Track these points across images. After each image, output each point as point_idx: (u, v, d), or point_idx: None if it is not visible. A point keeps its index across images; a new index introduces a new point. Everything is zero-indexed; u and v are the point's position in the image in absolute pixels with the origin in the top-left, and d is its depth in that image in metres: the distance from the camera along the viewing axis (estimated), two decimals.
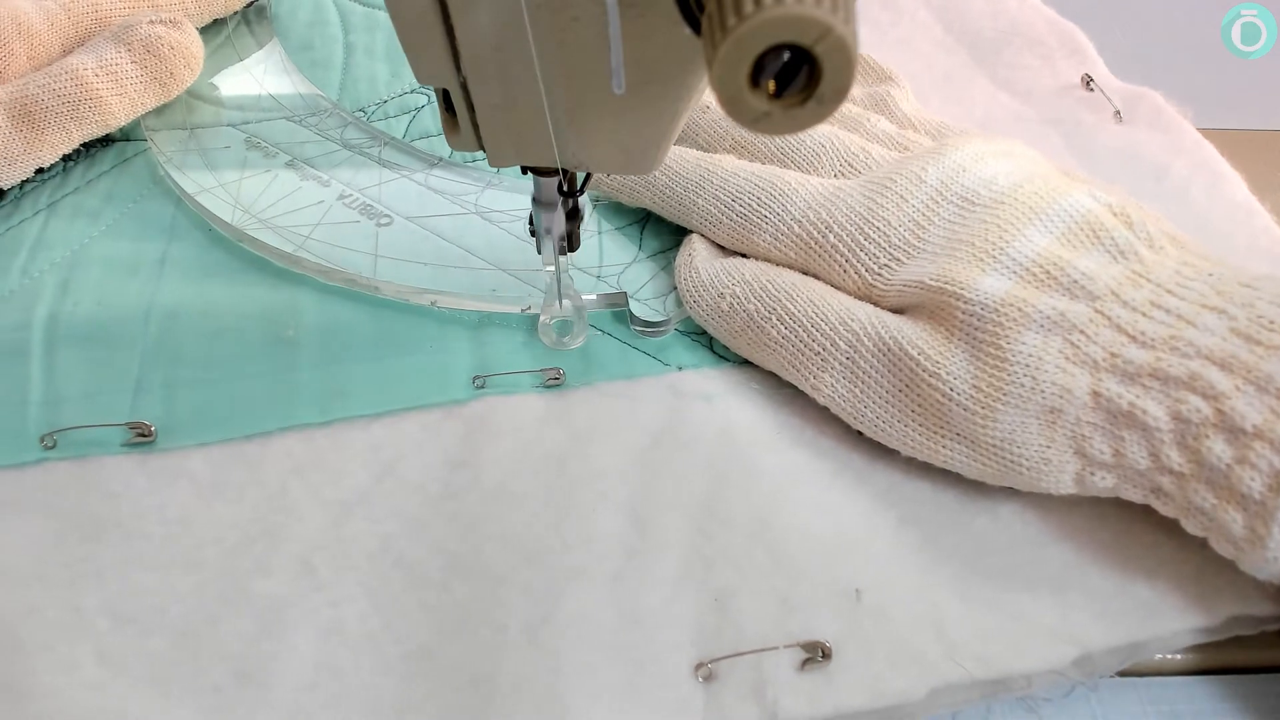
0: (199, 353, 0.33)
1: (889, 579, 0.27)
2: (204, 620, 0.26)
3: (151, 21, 0.40)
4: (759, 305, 0.31)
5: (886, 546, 0.28)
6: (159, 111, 0.42)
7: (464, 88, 0.22)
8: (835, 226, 0.31)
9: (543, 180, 0.27)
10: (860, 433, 0.30)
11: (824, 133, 0.35)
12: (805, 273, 0.32)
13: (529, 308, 0.34)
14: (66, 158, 0.40)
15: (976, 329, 0.27)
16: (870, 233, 0.31)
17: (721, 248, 0.34)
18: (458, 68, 0.21)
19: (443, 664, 0.25)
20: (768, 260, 0.33)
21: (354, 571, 0.27)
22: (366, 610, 0.27)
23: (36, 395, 0.32)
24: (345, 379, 0.32)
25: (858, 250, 0.31)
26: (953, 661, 0.26)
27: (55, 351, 0.33)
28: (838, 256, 0.31)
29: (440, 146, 0.41)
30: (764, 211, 0.32)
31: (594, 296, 0.35)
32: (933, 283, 0.28)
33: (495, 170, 0.40)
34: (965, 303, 0.27)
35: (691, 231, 0.35)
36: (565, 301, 0.33)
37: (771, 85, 0.15)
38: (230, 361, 0.33)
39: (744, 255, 0.34)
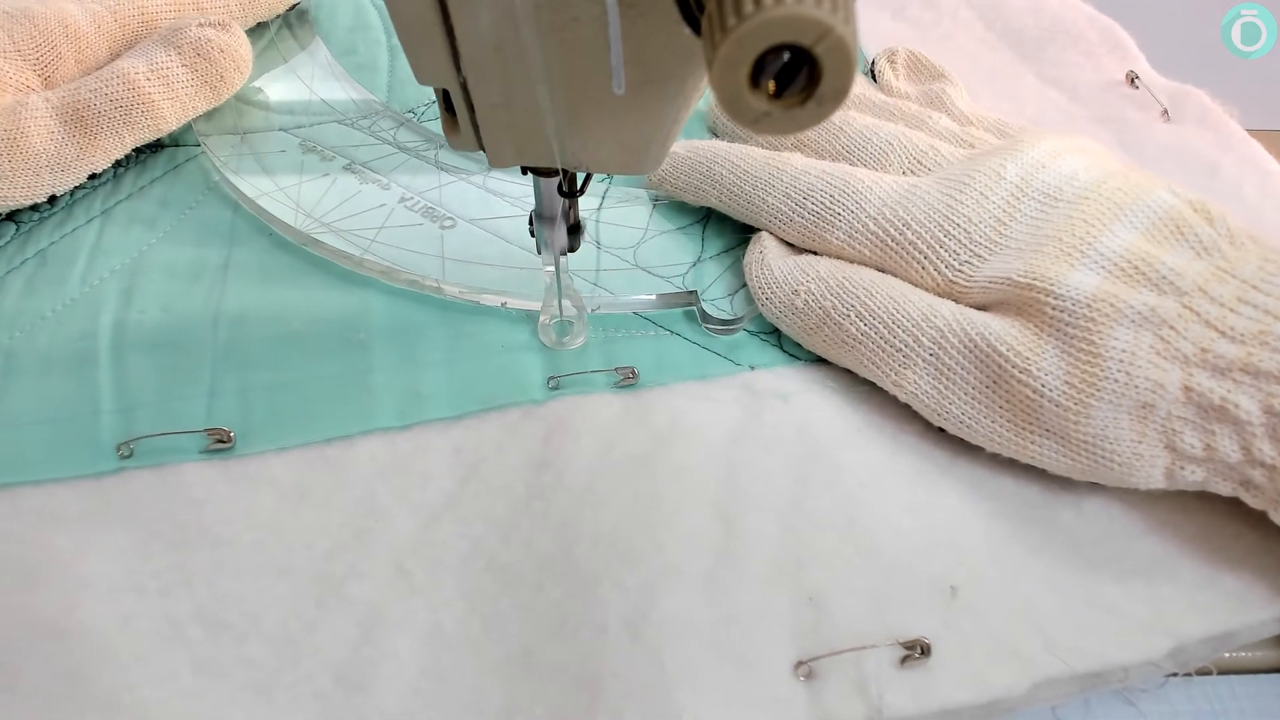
0: (270, 357, 0.33)
1: (981, 574, 0.27)
2: (302, 626, 0.26)
3: (201, 24, 0.40)
4: (836, 302, 0.31)
5: (976, 542, 0.28)
6: (209, 116, 0.41)
7: (464, 88, 0.22)
8: (914, 224, 0.31)
9: (543, 180, 0.27)
10: (941, 429, 0.30)
11: (891, 130, 0.35)
12: (880, 270, 0.32)
13: (598, 308, 0.34)
14: (117, 164, 0.40)
15: (1068, 325, 0.27)
16: (951, 229, 0.31)
17: (791, 245, 0.34)
18: (458, 68, 0.21)
19: (546, 665, 0.25)
20: (840, 258, 0.33)
21: (448, 574, 0.27)
22: (464, 613, 0.26)
23: (108, 404, 0.31)
24: (420, 381, 0.32)
25: (938, 247, 0.31)
26: (1052, 655, 0.26)
27: (124, 359, 0.33)
28: (916, 254, 0.31)
29: None
30: (837, 209, 0.32)
31: (652, 296, 0.34)
32: (1021, 279, 0.28)
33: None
34: (1056, 298, 0.27)
35: (759, 230, 0.35)
36: (565, 302, 0.32)
37: (771, 85, 0.15)
38: (303, 365, 0.32)
39: (814, 253, 0.34)
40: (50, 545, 0.28)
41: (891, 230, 0.31)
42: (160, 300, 0.34)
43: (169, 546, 0.28)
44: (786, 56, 0.14)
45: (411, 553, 0.28)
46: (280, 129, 0.41)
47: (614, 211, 0.38)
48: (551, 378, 0.32)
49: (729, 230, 0.37)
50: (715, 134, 0.41)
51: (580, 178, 0.28)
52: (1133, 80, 0.46)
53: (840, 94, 0.15)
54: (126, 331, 0.33)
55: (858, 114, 0.37)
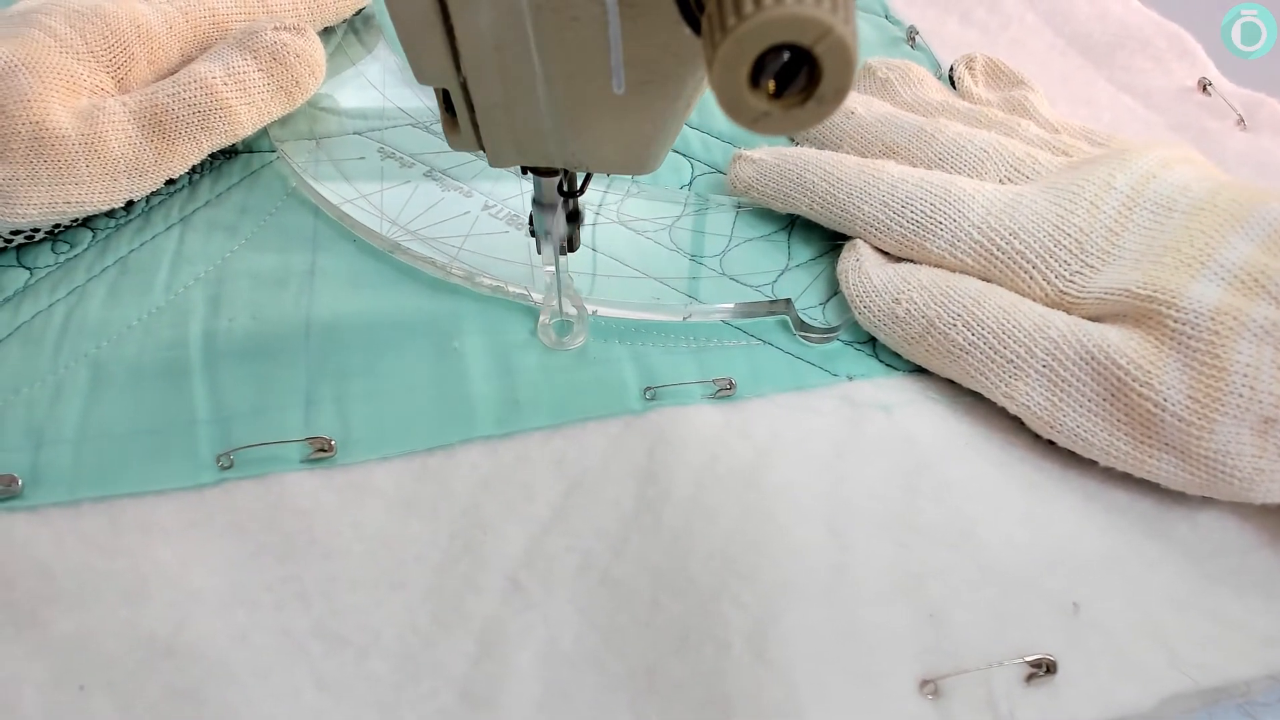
0: (365, 365, 0.32)
1: (1102, 589, 0.27)
2: (421, 642, 0.26)
3: (276, 28, 0.40)
4: (941, 311, 0.31)
5: (1094, 557, 0.28)
6: (283, 122, 0.41)
7: (464, 88, 0.22)
8: (1021, 233, 0.31)
9: (543, 180, 0.27)
10: (1050, 442, 0.30)
11: (985, 138, 0.35)
12: (983, 279, 0.32)
13: (689, 315, 0.34)
14: (193, 170, 0.40)
15: (1190, 338, 0.27)
16: (1062, 239, 0.30)
17: (886, 253, 0.34)
18: (458, 68, 0.21)
19: (670, 683, 0.25)
20: (939, 266, 0.33)
21: (561, 589, 0.27)
22: (582, 629, 0.26)
23: (204, 413, 0.31)
24: (516, 390, 0.32)
25: (1048, 257, 0.30)
26: (1176, 670, 0.26)
27: (216, 368, 0.32)
28: (1024, 263, 0.31)
29: None
30: (939, 218, 0.32)
31: (746, 305, 0.34)
32: (1141, 290, 0.28)
33: (632, 179, 0.40)
34: (1178, 311, 0.27)
35: (851, 238, 0.35)
36: (565, 302, 0.32)
37: (771, 85, 0.15)
38: (398, 374, 0.32)
39: (911, 261, 0.34)
40: (155, 559, 0.27)
41: (998, 239, 0.31)
42: (249, 308, 0.34)
43: (279, 558, 0.27)
44: (786, 56, 0.14)
45: (523, 566, 0.27)
46: (355, 133, 0.41)
47: (697, 219, 0.38)
48: (648, 388, 0.32)
49: (816, 237, 0.37)
50: (795, 141, 0.41)
51: (580, 177, 0.27)
52: (1205, 87, 0.45)
53: (841, 94, 0.15)
54: (217, 340, 0.33)
55: (948, 121, 0.37)
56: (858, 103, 0.39)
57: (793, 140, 0.41)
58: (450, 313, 0.34)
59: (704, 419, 0.31)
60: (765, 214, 0.38)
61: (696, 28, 0.16)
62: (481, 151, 0.24)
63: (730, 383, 0.32)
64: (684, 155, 0.41)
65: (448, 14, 0.19)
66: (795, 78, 0.15)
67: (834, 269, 0.35)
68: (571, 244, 0.30)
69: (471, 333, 0.33)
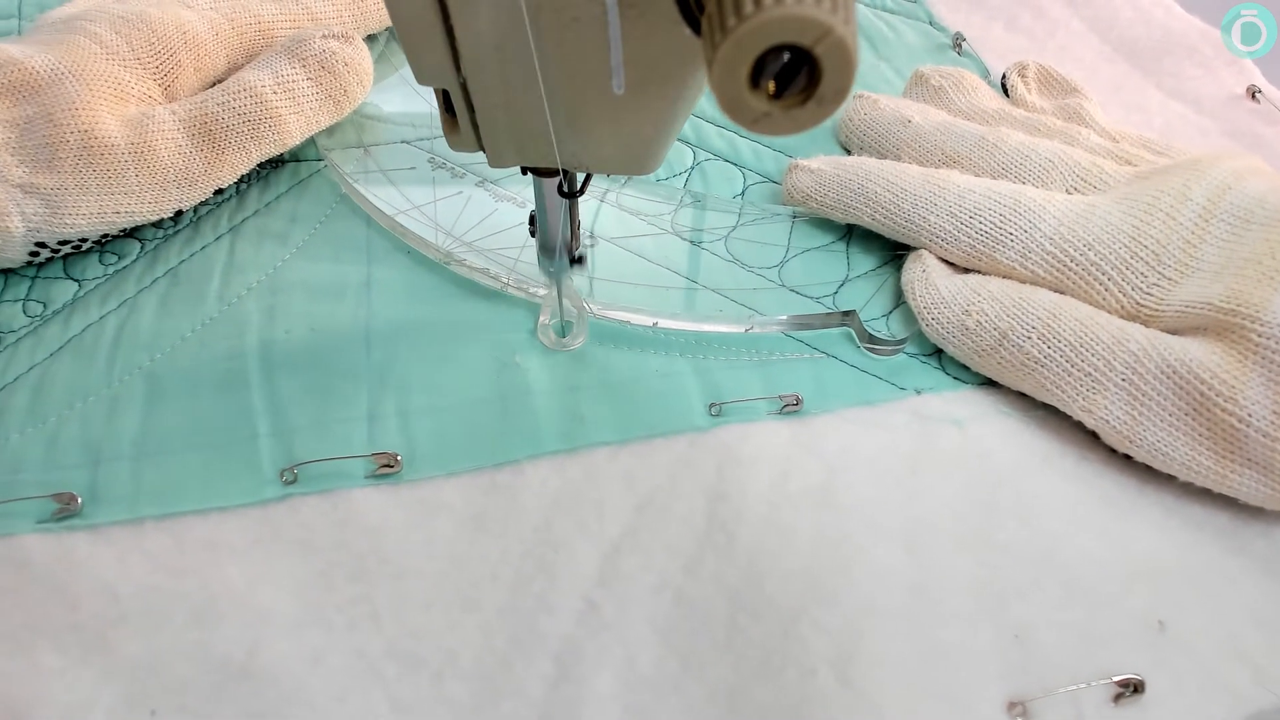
0: (427, 379, 0.32)
1: (1185, 606, 0.27)
2: (498, 663, 0.25)
3: (324, 36, 0.39)
4: (1015, 323, 0.30)
5: (1175, 573, 0.28)
6: (329, 130, 0.40)
7: (464, 88, 0.22)
8: (1096, 245, 0.30)
9: (543, 181, 0.27)
10: (1125, 456, 0.29)
11: (1049, 147, 0.35)
12: (1056, 291, 0.31)
13: (751, 328, 0.34)
14: (240, 179, 0.39)
15: (1275, 352, 0.26)
16: (1139, 251, 0.30)
17: (951, 264, 0.34)
18: (458, 68, 0.21)
19: (753, 708, 0.25)
20: (1009, 278, 0.32)
21: (637, 609, 0.26)
22: (661, 651, 0.26)
23: (265, 427, 0.30)
24: (579, 405, 0.31)
25: (1124, 269, 0.30)
26: (1262, 688, 0.25)
27: (275, 381, 0.32)
28: (1100, 275, 0.30)
29: None
30: (1009, 228, 0.32)
31: (810, 316, 0.34)
32: (1224, 304, 0.27)
33: (684, 189, 0.39)
34: (1262, 325, 0.27)
35: (914, 248, 0.34)
36: (566, 302, 0.32)
37: (771, 86, 0.15)
38: (460, 388, 0.32)
39: (978, 272, 0.33)
40: (223, 578, 0.27)
41: (1071, 251, 0.31)
42: (306, 319, 0.34)
43: (350, 577, 0.27)
44: (786, 57, 0.14)
45: (598, 585, 0.27)
46: (403, 142, 0.40)
47: (753, 229, 0.37)
48: (713, 404, 0.31)
49: (876, 248, 0.36)
50: (849, 150, 0.40)
51: (580, 178, 0.27)
52: (1254, 95, 0.45)
53: (841, 94, 0.15)
54: (274, 351, 0.32)
55: (1009, 130, 0.36)
56: (914, 111, 0.38)
57: (847, 149, 0.40)
58: (509, 326, 0.34)
59: (772, 435, 0.31)
60: (822, 224, 0.37)
61: (696, 28, 0.16)
62: (481, 151, 0.24)
63: (797, 398, 0.31)
64: (735, 164, 0.41)
65: (448, 14, 0.19)
66: (795, 78, 0.15)
67: (896, 280, 0.35)
68: (572, 242, 0.30)
69: (532, 347, 0.33)
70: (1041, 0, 0.51)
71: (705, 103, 0.43)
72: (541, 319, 0.33)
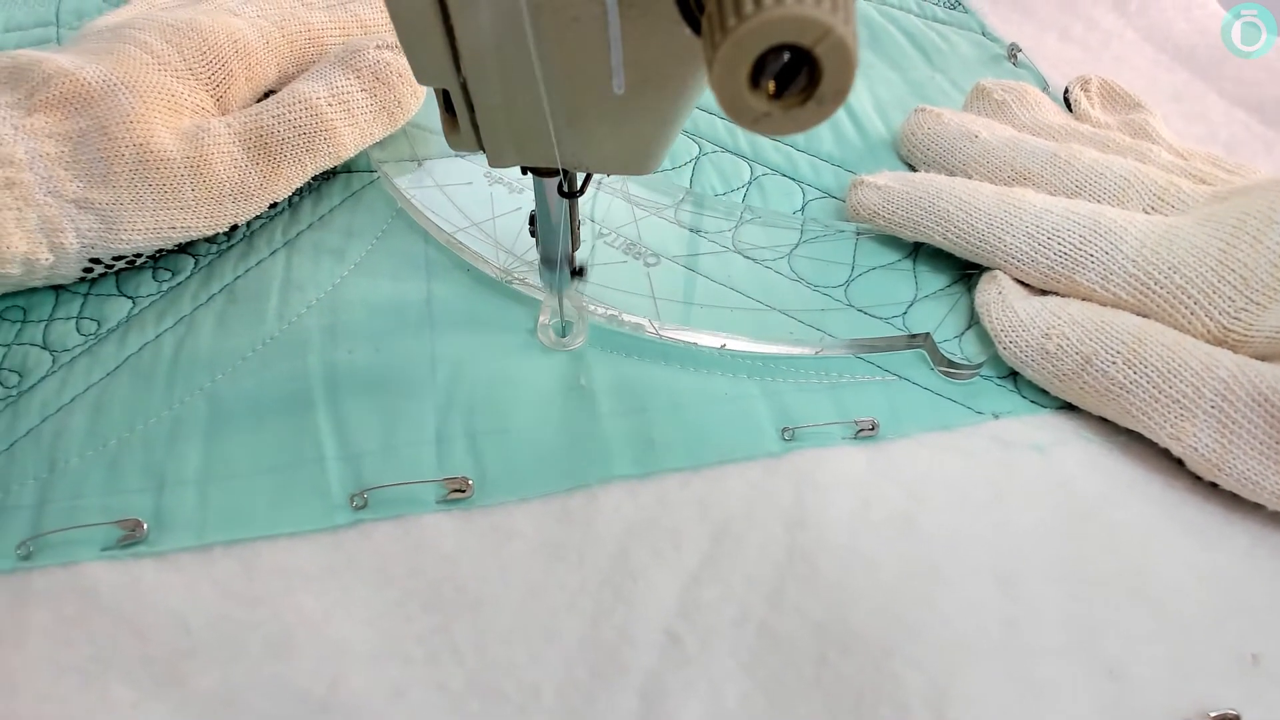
0: (494, 401, 0.31)
1: (1278, 639, 0.26)
2: (582, 698, 0.25)
3: (378, 47, 0.39)
4: (1099, 347, 0.30)
5: (1266, 604, 0.27)
6: (382, 143, 0.40)
7: (464, 88, 0.22)
8: (1181, 268, 0.30)
9: (543, 181, 0.27)
10: (1211, 484, 0.29)
11: (1124, 165, 0.34)
12: (1138, 314, 0.31)
13: (821, 350, 0.33)
14: (293, 191, 0.38)
15: None
16: (1226, 275, 0.29)
17: (1027, 285, 0.33)
18: (458, 68, 0.21)
19: None
20: (1088, 300, 0.31)
21: (720, 641, 0.26)
22: (747, 686, 0.25)
23: (332, 450, 0.30)
24: (649, 429, 0.31)
25: (1211, 294, 0.29)
26: None
27: (340, 402, 0.31)
28: (1185, 299, 0.30)
29: (679, 177, 0.40)
30: (1090, 250, 0.31)
31: (867, 340, 0.33)
32: None
33: (743, 204, 0.38)
34: None
35: (988, 269, 0.34)
36: (565, 302, 0.32)
37: (771, 86, 0.15)
38: (528, 410, 0.31)
39: (1056, 294, 0.32)
40: (297, 607, 0.26)
41: (1155, 274, 0.30)
42: (369, 339, 0.33)
43: (427, 607, 0.26)
44: (786, 57, 0.14)
45: (678, 616, 0.26)
46: (458, 155, 0.39)
47: (816, 246, 0.37)
48: (786, 429, 0.31)
49: (944, 266, 0.36)
50: (911, 165, 0.40)
51: (580, 178, 0.27)
52: None
53: (841, 94, 0.15)
54: (338, 372, 0.32)
55: (1080, 146, 0.35)
56: (980, 126, 0.38)
57: (909, 164, 0.40)
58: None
59: (848, 461, 0.30)
60: (887, 241, 0.37)
61: (696, 28, 0.16)
62: (481, 151, 0.24)
63: (873, 423, 0.31)
64: (793, 179, 0.40)
65: (448, 14, 0.19)
66: (795, 78, 0.15)
67: (967, 300, 0.34)
68: (572, 242, 0.30)
69: (597, 368, 0.32)
70: (1093, 11, 0.50)
71: None
72: (541, 319, 0.33)
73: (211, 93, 0.37)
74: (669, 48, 0.19)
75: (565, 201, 0.28)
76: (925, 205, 0.34)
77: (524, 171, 0.27)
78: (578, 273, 0.31)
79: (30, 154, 0.32)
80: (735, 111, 0.15)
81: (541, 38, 0.19)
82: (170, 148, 0.34)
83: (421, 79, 0.21)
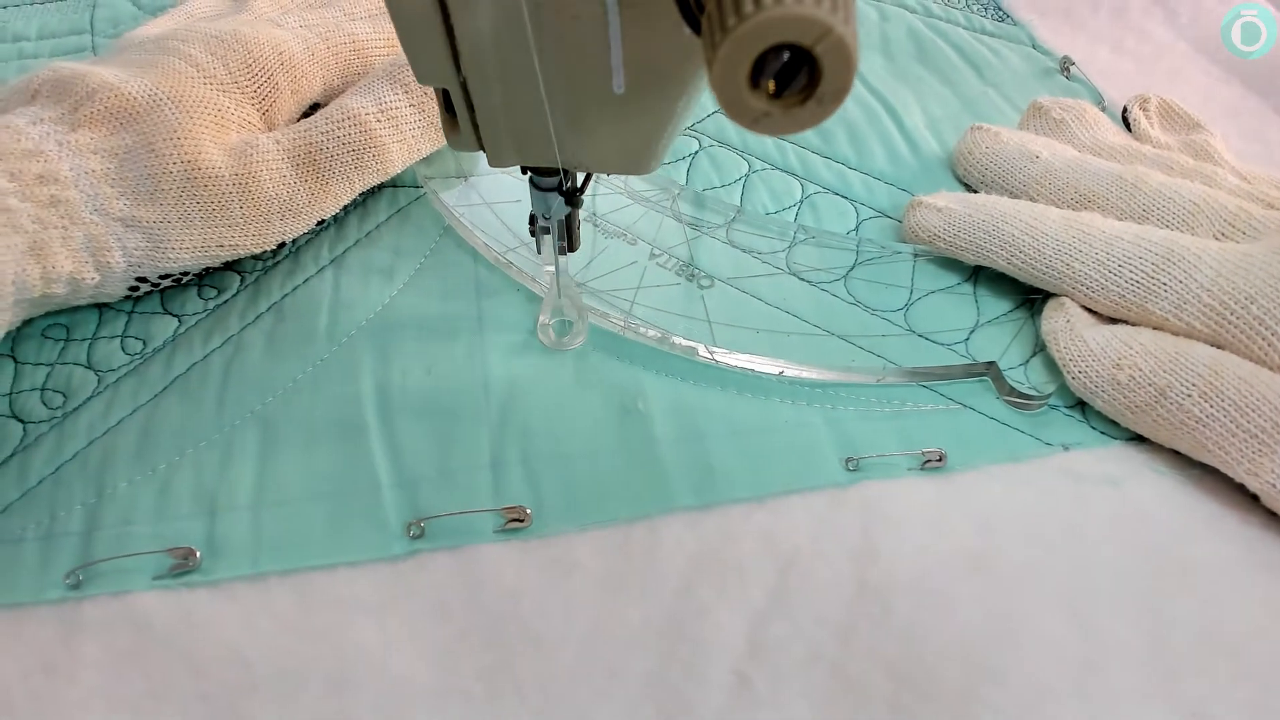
0: (549, 426, 0.31)
1: None
2: None
3: None
4: (1173, 379, 0.29)
5: None
6: (428, 159, 0.39)
7: (464, 88, 0.22)
8: (1259, 298, 0.29)
9: (543, 180, 0.27)
10: None
11: (1192, 189, 0.33)
12: (1213, 345, 0.30)
13: (883, 378, 0.32)
14: None
15: None
16: None
17: (1095, 313, 0.32)
18: (458, 68, 0.21)
19: None
20: (1160, 329, 0.31)
21: (791, 683, 0.25)
22: None
23: (387, 477, 0.29)
24: (708, 456, 0.30)
25: None
26: None
27: (394, 426, 0.31)
28: (1263, 330, 0.29)
29: (729, 195, 0.39)
30: (1163, 279, 0.30)
31: (932, 369, 0.32)
32: None
33: (795, 224, 0.38)
34: None
35: (1054, 295, 0.33)
36: (565, 301, 0.32)
37: (771, 85, 0.15)
38: (584, 436, 0.30)
39: (1126, 322, 0.32)
40: (357, 641, 0.26)
41: (1231, 304, 0.29)
42: (421, 361, 0.32)
43: (487, 643, 0.26)
44: (786, 56, 0.14)
45: (747, 656, 0.26)
46: (503, 171, 0.39)
47: (873, 268, 0.36)
48: (850, 459, 0.30)
49: (1006, 290, 0.35)
50: (968, 184, 0.39)
51: (580, 177, 0.27)
52: None
53: (840, 94, 0.15)
54: (391, 396, 0.31)
55: (1146, 169, 0.35)
56: (1041, 146, 0.37)
57: (967, 185, 0.39)
58: (628, 369, 0.32)
59: (917, 494, 0.29)
60: (946, 263, 0.36)
61: (696, 28, 0.16)
62: (481, 151, 0.24)
63: (940, 455, 0.30)
64: (846, 198, 0.39)
65: (448, 14, 0.19)
66: (795, 78, 0.15)
67: (1031, 327, 0.34)
68: (571, 242, 0.30)
69: (653, 392, 0.32)
70: (1145, 23, 0.50)
71: (810, 133, 0.42)
72: (541, 318, 0.33)
73: (257, 106, 0.37)
74: (669, 47, 0.19)
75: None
76: (989, 229, 0.33)
77: (524, 171, 0.26)
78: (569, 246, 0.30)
79: (75, 170, 0.32)
80: (735, 111, 0.15)
81: (542, 37, 0.19)
82: (218, 164, 0.34)
83: (422, 79, 0.21)
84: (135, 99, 0.34)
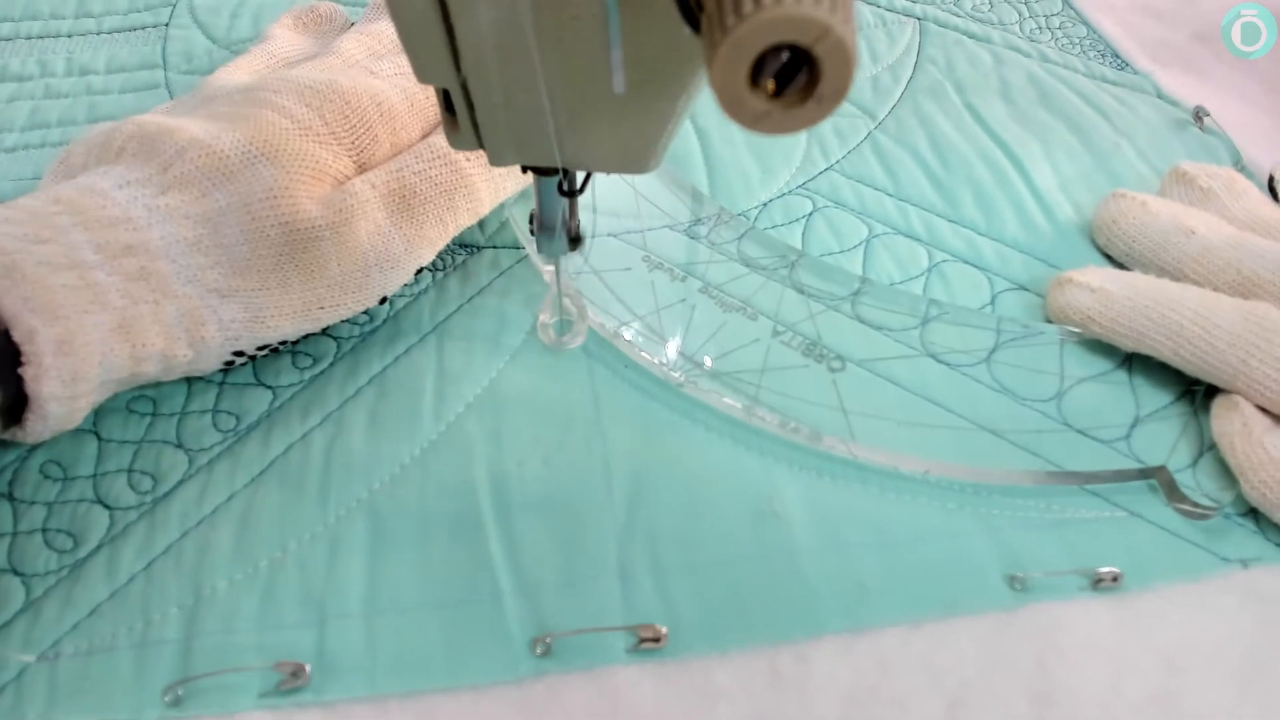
0: (678, 530, 0.28)
1: None
2: None
3: None
4: None
5: None
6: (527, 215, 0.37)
7: (464, 87, 0.22)
8: None
9: (543, 180, 0.26)
10: None
11: None
12: None
13: (1046, 482, 0.30)
14: (434, 268, 0.36)
15: None
16: None
17: (1271, 414, 0.29)
18: (458, 68, 0.21)
19: None
20: None
21: None
22: None
23: (508, 584, 0.27)
24: (857, 570, 0.27)
25: None
26: None
27: (511, 524, 0.28)
28: None
29: (849, 262, 0.37)
30: None
31: (1100, 473, 0.30)
32: None
33: (926, 297, 0.35)
34: None
35: (1225, 391, 0.30)
36: (565, 300, 0.32)
37: (771, 85, 0.15)
38: (717, 542, 0.28)
39: None
40: None
41: None
42: (538, 449, 0.30)
43: None
44: (786, 56, 0.14)
45: None
46: (609, 234, 0.36)
47: (1016, 351, 0.33)
48: (1015, 576, 0.27)
49: (1165, 379, 0.32)
50: (1109, 254, 0.36)
51: (580, 177, 0.27)
52: None
53: (840, 93, 0.15)
54: (508, 488, 0.29)
55: None
56: (1196, 220, 0.34)
57: (1109, 257, 0.36)
58: (760, 465, 0.30)
59: (1092, 620, 0.27)
60: (1095, 346, 0.33)
61: (696, 27, 0.16)
62: (481, 150, 0.24)
63: (1115, 574, 0.27)
64: (978, 268, 0.37)
65: (448, 14, 0.19)
66: (795, 77, 0.15)
67: (1196, 422, 0.31)
68: (572, 243, 0.29)
69: (786, 491, 0.29)
70: (1272, 71, 0.47)
71: (929, 193, 0.39)
72: (541, 317, 0.32)
73: (355, 159, 0.34)
74: (669, 47, 0.19)
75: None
76: (1153, 316, 0.31)
77: (524, 170, 0.26)
78: (575, 240, 0.29)
79: (165, 239, 0.29)
80: (735, 110, 0.15)
81: (542, 36, 0.19)
82: (315, 219, 0.31)
83: (422, 78, 0.21)
84: (228, 156, 0.31)
